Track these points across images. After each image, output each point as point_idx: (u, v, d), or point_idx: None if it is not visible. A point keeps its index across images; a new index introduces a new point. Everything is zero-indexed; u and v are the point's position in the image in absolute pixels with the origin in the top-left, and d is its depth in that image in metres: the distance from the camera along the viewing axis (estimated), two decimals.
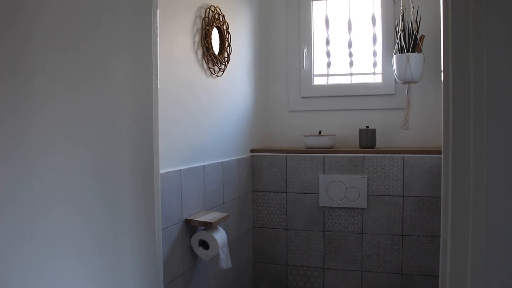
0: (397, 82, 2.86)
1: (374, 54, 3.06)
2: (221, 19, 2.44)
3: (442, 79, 1.10)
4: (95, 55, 1.09)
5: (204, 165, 2.30)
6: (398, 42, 2.77)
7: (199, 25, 2.25)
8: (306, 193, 2.94)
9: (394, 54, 2.79)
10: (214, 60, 2.37)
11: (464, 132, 1.03)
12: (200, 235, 2.14)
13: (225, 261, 2.20)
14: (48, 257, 0.96)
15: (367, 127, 2.92)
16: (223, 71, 2.49)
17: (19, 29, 0.89)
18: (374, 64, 3.07)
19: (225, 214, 2.26)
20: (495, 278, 1.02)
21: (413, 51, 2.72)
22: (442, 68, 1.12)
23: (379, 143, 2.99)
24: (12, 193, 0.87)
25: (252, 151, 3.02)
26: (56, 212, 0.98)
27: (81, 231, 1.05)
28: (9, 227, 0.87)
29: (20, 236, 0.89)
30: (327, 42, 3.16)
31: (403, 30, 2.74)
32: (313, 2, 3.17)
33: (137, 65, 1.26)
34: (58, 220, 0.98)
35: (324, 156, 2.89)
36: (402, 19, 2.75)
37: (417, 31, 2.72)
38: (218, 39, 2.45)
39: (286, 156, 2.97)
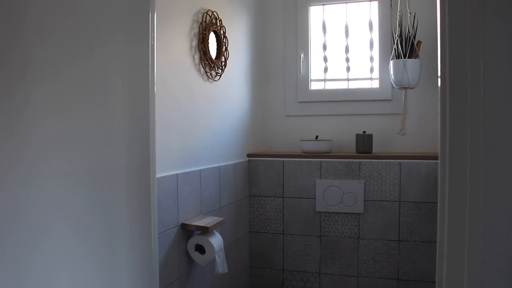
0: (394, 87, 2.87)
1: (371, 59, 3.07)
2: (218, 24, 2.44)
3: (439, 84, 1.10)
4: (92, 59, 1.09)
5: (200, 170, 2.30)
6: (395, 48, 2.78)
7: (196, 30, 2.25)
8: (302, 198, 2.94)
9: (391, 60, 2.80)
10: (211, 65, 2.38)
11: (461, 137, 1.03)
12: (196, 239, 2.13)
13: (221, 266, 2.19)
14: (43, 264, 0.95)
15: (364, 132, 2.93)
16: (220, 76, 2.49)
17: (17, 33, 0.88)
18: (371, 70, 3.08)
19: (221, 219, 2.26)
20: (492, 284, 1.02)
21: (410, 57, 2.73)
22: (438, 74, 1.12)
23: (376, 148, 2.99)
24: (9, 198, 0.87)
25: (248, 155, 3.02)
26: (51, 218, 0.97)
27: (76, 237, 1.04)
28: (6, 230, 0.87)
29: (16, 242, 0.89)
30: (324, 47, 3.17)
31: (400, 35, 2.75)
32: (310, 7, 3.18)
33: (134, 70, 1.26)
34: (52, 226, 0.98)
35: (320, 161, 2.89)
36: (399, 24, 2.76)
37: (414, 37, 2.73)
38: (215, 43, 2.45)
39: (283, 160, 2.97)
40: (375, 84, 3.08)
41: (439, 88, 1.11)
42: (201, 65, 2.30)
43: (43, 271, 0.95)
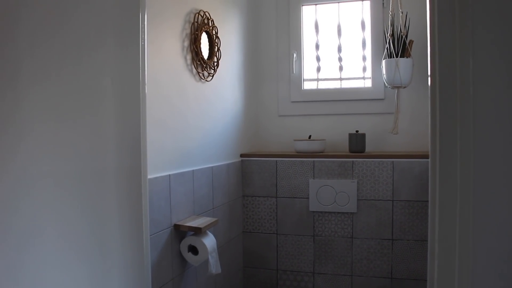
0: (387, 86, 2.88)
1: (364, 58, 3.08)
2: (210, 24, 2.43)
3: (429, 84, 1.11)
4: (82, 61, 1.08)
5: (193, 170, 2.29)
6: (387, 47, 2.79)
7: (188, 30, 2.25)
8: (296, 197, 2.94)
9: (383, 59, 2.80)
10: (203, 65, 2.37)
11: (451, 136, 1.03)
12: (189, 240, 2.13)
13: (214, 266, 2.18)
14: (33, 266, 0.94)
15: (357, 131, 2.93)
16: (213, 76, 2.49)
17: (8, 37, 0.88)
18: (364, 69, 3.08)
19: (214, 219, 2.25)
20: (483, 282, 1.02)
21: (402, 56, 2.74)
22: (429, 73, 1.12)
23: (369, 147, 3.00)
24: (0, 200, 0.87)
25: (242, 155, 3.02)
26: (40, 220, 0.96)
27: (65, 239, 1.04)
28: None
29: (6, 244, 0.88)
30: (317, 47, 3.17)
31: (392, 35, 2.76)
32: (303, 7, 3.18)
33: (124, 71, 1.26)
34: (42, 228, 0.97)
35: (314, 160, 2.89)
36: (391, 24, 2.77)
37: (406, 36, 2.73)
38: (207, 44, 2.44)
39: (276, 160, 2.97)
40: (368, 83, 3.08)
41: (429, 87, 1.11)
42: (193, 66, 2.30)
43: (33, 274, 0.95)
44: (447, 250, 1.05)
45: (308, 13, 3.19)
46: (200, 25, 2.32)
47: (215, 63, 2.51)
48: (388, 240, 2.78)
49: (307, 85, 3.21)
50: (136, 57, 1.30)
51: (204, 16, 2.37)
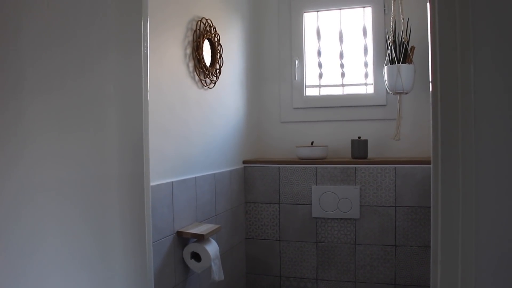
0: (389, 92, 2.88)
1: (366, 65, 3.08)
2: (212, 31, 2.45)
3: (431, 89, 1.11)
4: (84, 68, 1.09)
5: (196, 177, 2.29)
6: (388, 53, 2.79)
7: (191, 38, 2.26)
8: (298, 204, 2.94)
9: (385, 65, 2.81)
10: (206, 72, 2.38)
11: (453, 142, 1.03)
12: (192, 247, 2.13)
13: (217, 273, 2.18)
14: (36, 274, 0.95)
15: (359, 137, 2.93)
16: (215, 83, 2.50)
17: (12, 48, 0.89)
18: (366, 75, 3.09)
19: (217, 226, 2.25)
20: None
21: (404, 62, 2.74)
22: (430, 79, 1.13)
23: (371, 153, 3.00)
24: (3, 209, 0.87)
25: (244, 162, 3.02)
26: (43, 227, 0.97)
27: (68, 246, 1.04)
28: None
29: (10, 252, 0.88)
30: (319, 53, 3.18)
31: (394, 41, 2.76)
32: (305, 13, 3.19)
33: (127, 79, 1.26)
34: (44, 235, 0.97)
35: (316, 167, 2.89)
36: (392, 30, 2.78)
37: (408, 42, 2.74)
38: (209, 51, 2.45)
39: (279, 167, 2.97)
40: (370, 89, 3.09)
41: (430, 93, 1.11)
42: (195, 73, 2.30)
43: (35, 281, 0.95)
44: (450, 256, 1.05)
45: (310, 19, 3.21)
46: (202, 32, 2.33)
47: (218, 70, 2.51)
48: (391, 246, 2.78)
49: (309, 92, 3.22)
50: (138, 65, 1.30)
51: (206, 24, 2.38)
